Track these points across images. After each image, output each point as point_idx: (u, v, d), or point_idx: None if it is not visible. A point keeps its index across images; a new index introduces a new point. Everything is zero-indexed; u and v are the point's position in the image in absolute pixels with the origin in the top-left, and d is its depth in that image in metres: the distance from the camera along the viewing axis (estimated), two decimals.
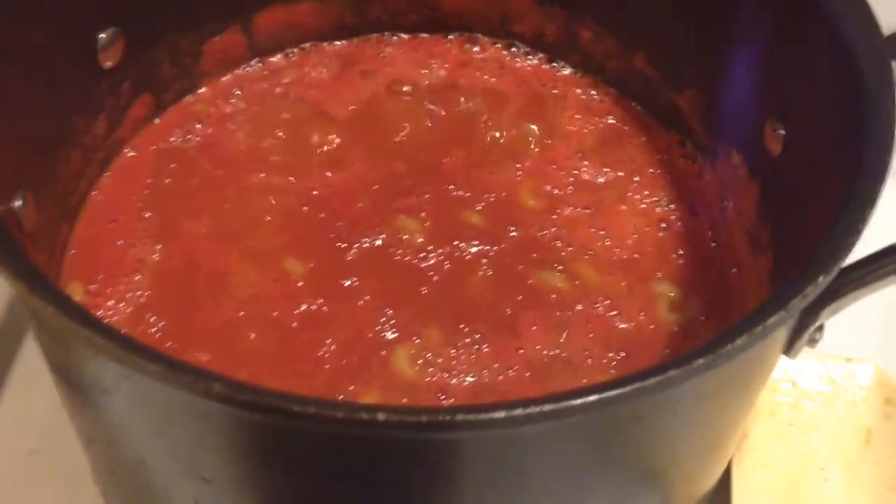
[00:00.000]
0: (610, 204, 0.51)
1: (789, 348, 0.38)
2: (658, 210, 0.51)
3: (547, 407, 0.28)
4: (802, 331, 0.37)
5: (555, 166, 0.52)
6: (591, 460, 0.33)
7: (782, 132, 0.45)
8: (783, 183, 0.45)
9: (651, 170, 0.52)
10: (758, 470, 0.49)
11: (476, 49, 0.56)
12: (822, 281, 0.32)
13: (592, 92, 0.55)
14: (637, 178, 0.52)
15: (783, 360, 0.53)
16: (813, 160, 0.42)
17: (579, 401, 0.28)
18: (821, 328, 0.38)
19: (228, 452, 0.32)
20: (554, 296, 0.47)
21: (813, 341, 0.39)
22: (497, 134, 0.52)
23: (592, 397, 0.28)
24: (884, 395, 0.51)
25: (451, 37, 0.57)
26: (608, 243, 0.49)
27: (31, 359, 0.56)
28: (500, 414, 0.28)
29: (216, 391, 0.27)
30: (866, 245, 0.36)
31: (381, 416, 0.28)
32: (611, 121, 0.54)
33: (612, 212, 0.50)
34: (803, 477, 0.49)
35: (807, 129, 0.43)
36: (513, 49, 0.56)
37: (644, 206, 0.51)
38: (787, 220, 0.44)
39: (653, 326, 0.46)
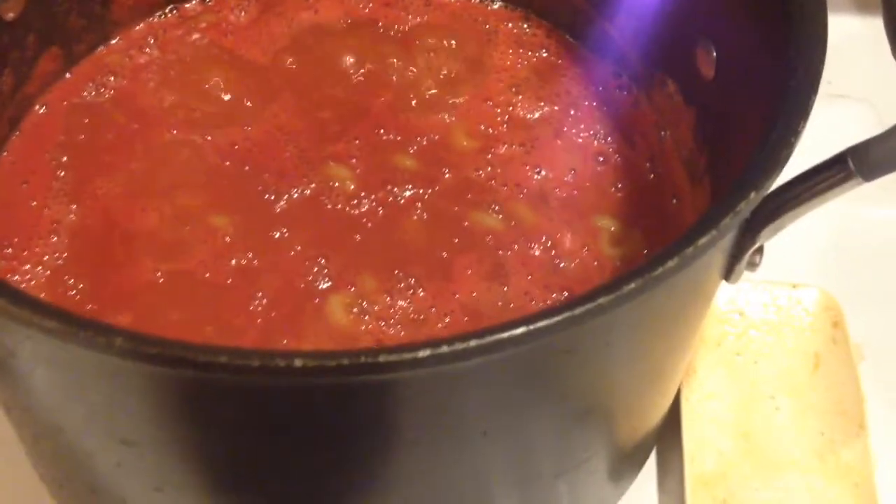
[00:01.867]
0: (546, 140, 0.49)
1: (729, 273, 0.37)
2: (595, 143, 0.49)
3: (473, 342, 0.27)
4: (741, 254, 0.36)
5: (489, 103, 0.50)
6: (526, 398, 0.31)
7: (714, 54, 0.43)
8: (718, 107, 0.44)
9: (587, 103, 0.50)
10: (707, 401, 0.48)
11: None
12: (755, 197, 0.30)
13: (524, 25, 0.53)
14: (573, 112, 0.50)
15: (730, 291, 0.53)
16: (745, 81, 0.41)
17: (506, 334, 0.27)
18: (760, 251, 0.37)
19: (145, 412, 0.30)
20: (490, 237, 0.45)
21: (753, 265, 0.38)
22: (427, 73, 0.51)
23: (520, 329, 0.27)
24: (830, 319, 0.50)
25: None
26: (545, 180, 0.48)
27: None
28: (426, 352, 0.26)
29: (118, 345, 0.26)
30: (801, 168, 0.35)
31: (298, 362, 0.26)
32: (544, 54, 0.52)
33: (548, 148, 0.49)
34: (753, 406, 0.49)
35: (738, 50, 0.42)
36: None
37: (581, 139, 0.49)
38: (723, 146, 0.43)
39: (596, 263, 0.45)
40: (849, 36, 0.66)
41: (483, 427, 0.31)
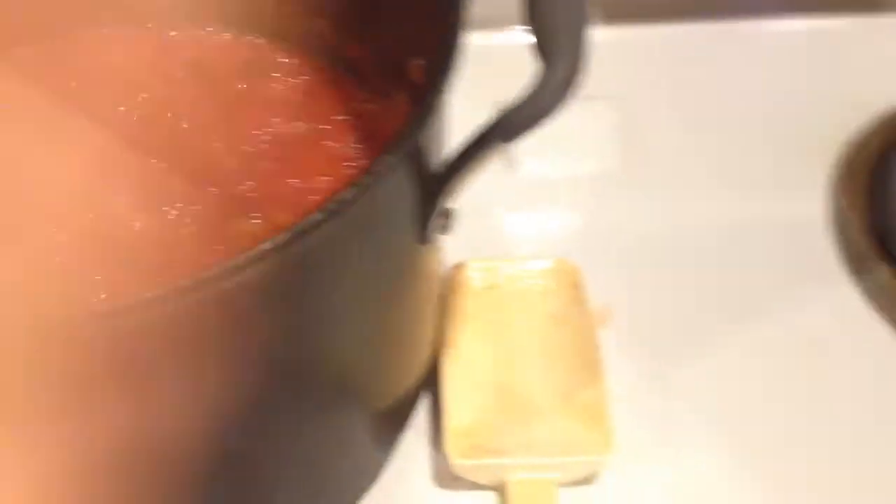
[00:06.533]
0: (303, 153, 0.55)
1: (421, 238, 0.43)
2: (346, 151, 0.56)
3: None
4: (426, 218, 0.43)
5: (249, 125, 0.56)
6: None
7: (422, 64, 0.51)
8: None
9: (339, 118, 0.57)
10: (466, 368, 0.55)
11: (173, 33, 0.61)
12: (392, 160, 0.37)
13: (284, 59, 0.60)
14: (328, 127, 0.57)
15: (483, 272, 0.59)
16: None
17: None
18: (447, 215, 0.44)
19: None
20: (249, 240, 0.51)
21: (445, 229, 0.44)
22: (194, 103, 0.57)
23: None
24: (570, 282, 0.57)
25: (149, 25, 0.61)
26: (302, 187, 0.54)
27: None
28: None
29: None
30: None
31: None
32: (303, 79, 0.59)
33: (304, 160, 0.55)
34: (509, 367, 0.55)
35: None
36: (208, 28, 0.61)
37: (334, 150, 0.56)
38: None
39: None
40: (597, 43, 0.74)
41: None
